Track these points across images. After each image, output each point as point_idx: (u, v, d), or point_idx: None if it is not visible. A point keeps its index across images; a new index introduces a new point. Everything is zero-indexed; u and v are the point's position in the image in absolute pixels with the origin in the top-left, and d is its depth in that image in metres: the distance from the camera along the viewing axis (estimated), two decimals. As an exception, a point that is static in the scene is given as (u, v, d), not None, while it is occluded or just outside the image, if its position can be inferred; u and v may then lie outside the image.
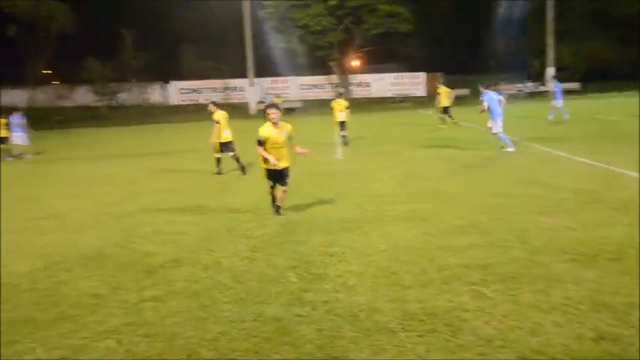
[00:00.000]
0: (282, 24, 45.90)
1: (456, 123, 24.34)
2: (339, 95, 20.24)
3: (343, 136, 18.88)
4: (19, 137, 21.86)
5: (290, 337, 4.61)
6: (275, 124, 8.57)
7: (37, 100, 48.65)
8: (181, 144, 23.69)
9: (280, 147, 8.63)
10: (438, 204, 9.17)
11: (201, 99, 49.22)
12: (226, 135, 13.90)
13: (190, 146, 21.88)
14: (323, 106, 43.79)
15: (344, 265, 6.33)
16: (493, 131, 15.27)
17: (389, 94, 49.08)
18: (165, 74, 51.43)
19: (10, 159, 21.29)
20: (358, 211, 9.01)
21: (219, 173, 14.01)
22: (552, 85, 25.15)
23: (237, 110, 46.26)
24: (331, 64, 48.98)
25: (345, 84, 49.34)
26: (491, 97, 15.27)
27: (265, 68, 50.11)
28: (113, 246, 7.73)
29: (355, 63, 51.30)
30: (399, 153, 16.11)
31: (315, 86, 49.89)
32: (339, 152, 17.17)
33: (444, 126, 24.15)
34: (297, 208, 9.44)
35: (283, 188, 8.88)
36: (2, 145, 21.83)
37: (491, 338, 4.36)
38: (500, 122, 15.08)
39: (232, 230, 8.23)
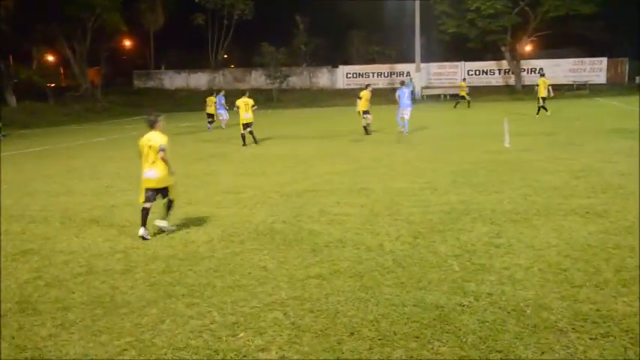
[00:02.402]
0: (453, 8, 44.73)
1: (537, 114, 24.18)
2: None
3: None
4: (222, 113, 26.93)
5: (451, 325, 4.56)
6: None
7: (216, 82, 52.32)
8: (348, 127, 24.15)
9: None
10: (618, 200, 8.48)
11: (366, 83, 49.84)
12: (246, 117, 18.13)
13: (357, 129, 22.26)
14: (493, 92, 42.29)
15: (510, 258, 6.11)
16: (406, 118, 19.43)
17: (564, 81, 45.93)
18: (334, 59, 52.71)
19: (210, 129, 26.23)
20: (527, 202, 8.61)
21: (244, 145, 18.40)
22: None
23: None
24: (503, 49, 46.91)
25: (515, 70, 47.10)
26: (402, 91, 19.51)
27: (433, 53, 49.33)
28: (282, 223, 8.14)
29: (528, 48, 48.65)
30: (576, 144, 15.07)
31: (485, 72, 48.17)
32: (507, 140, 16.48)
33: (547, 113, 24.45)
34: (462, 196, 9.25)
35: None
36: (210, 119, 27.04)
37: (677, 350, 3.99)
38: (405, 111, 19.32)
39: (396, 214, 8.28)
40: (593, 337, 4.25)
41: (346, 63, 52.63)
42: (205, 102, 27.69)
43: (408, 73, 48.39)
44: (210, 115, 27.06)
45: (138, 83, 56.01)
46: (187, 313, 5.09)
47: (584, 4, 42.36)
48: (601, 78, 46.55)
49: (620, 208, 7.97)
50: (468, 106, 33.58)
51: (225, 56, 60.28)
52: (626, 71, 47.15)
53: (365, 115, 20.25)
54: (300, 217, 8.42)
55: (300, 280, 5.78)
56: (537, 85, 25.52)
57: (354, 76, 51.30)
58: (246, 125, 18.42)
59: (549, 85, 25.17)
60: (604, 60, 47.10)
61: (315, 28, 50.53)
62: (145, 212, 7.66)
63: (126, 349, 4.50)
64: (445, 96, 44.14)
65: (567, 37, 49.79)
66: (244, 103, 18.42)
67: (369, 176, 11.74)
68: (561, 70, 47.15)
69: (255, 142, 18.59)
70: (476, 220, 7.76)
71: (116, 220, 8.86)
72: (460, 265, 5.98)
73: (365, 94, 20.27)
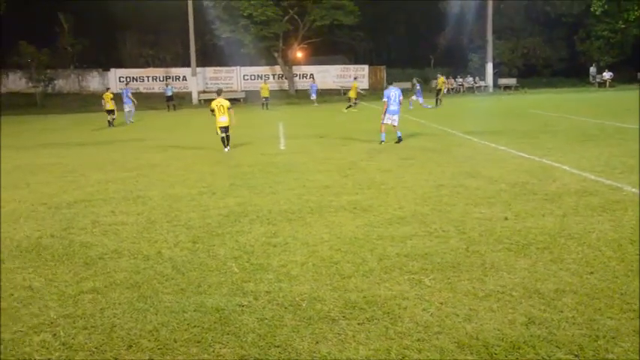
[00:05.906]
0: (226, 13, 45.25)
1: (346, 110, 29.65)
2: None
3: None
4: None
5: (232, 326, 4.62)
6: None
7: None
8: (127, 134, 23.17)
9: None
10: (381, 195, 9.31)
11: (141, 87, 48.14)
12: (222, 120, 15.87)
13: (134, 136, 21.47)
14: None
15: (286, 255, 6.37)
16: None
17: (333, 87, 49.25)
18: (105, 61, 50.02)
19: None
20: (301, 202, 9.05)
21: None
22: None
23: (178, 99, 45.54)
24: (275, 55, 48.71)
25: (288, 75, 49.21)
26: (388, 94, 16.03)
27: (209, 57, 49.45)
28: (50, 237, 7.52)
29: (299, 54, 51.18)
30: (344, 144, 16.23)
31: (260, 77, 49.52)
32: (283, 143, 17.16)
33: None
34: (240, 198, 9.42)
35: None
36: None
37: (428, 325, 4.50)
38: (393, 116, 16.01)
39: (174, 220, 8.14)
40: (361, 322, 4.61)
41: (119, 66, 50.26)
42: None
43: (185, 77, 48.00)
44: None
45: None
46: None
47: (346, 16, 45.81)
48: (364, 84, 50.66)
49: (383, 202, 8.75)
50: (346, 109, 30.75)
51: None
52: (384, 77, 52.02)
53: None
54: (71, 230, 7.87)
55: (71, 297, 5.40)
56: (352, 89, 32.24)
57: (129, 79, 49.28)
58: (223, 128, 15.82)
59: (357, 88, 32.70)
60: (366, 67, 51.45)
61: (81, 28, 47.32)
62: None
63: None
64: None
65: (335, 45, 53.51)
66: (217, 105, 15.78)
67: (146, 183, 11.38)
68: (330, 75, 50.53)
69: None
70: (254, 221, 7.95)
71: None
72: (239, 266, 6.08)
73: None
